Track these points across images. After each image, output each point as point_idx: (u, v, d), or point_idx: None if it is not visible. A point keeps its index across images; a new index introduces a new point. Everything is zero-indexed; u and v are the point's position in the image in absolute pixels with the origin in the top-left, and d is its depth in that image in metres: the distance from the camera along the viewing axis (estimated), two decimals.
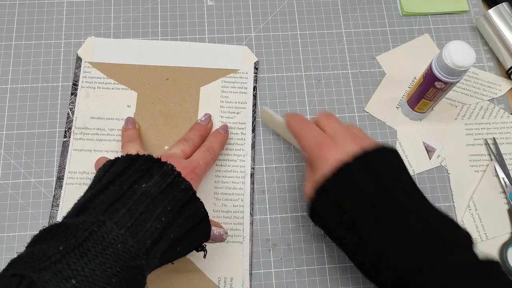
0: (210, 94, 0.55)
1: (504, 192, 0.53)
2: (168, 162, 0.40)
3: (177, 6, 0.60)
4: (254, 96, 0.56)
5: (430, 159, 0.55)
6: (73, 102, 0.54)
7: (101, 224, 0.33)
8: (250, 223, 0.50)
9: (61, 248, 0.31)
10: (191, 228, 0.40)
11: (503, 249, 0.51)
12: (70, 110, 0.54)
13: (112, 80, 0.55)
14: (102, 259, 0.31)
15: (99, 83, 0.55)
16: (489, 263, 0.36)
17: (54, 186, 0.51)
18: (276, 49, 0.59)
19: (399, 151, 0.54)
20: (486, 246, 0.51)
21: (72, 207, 0.37)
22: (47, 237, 0.33)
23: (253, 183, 0.52)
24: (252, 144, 0.53)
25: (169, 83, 0.55)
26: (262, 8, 0.61)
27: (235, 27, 0.59)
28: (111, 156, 0.51)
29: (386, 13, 0.62)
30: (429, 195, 0.53)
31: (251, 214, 0.51)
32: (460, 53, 0.45)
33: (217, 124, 0.54)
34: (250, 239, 0.50)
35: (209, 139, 0.50)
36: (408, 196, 0.39)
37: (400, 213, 0.38)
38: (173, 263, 0.45)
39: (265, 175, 0.53)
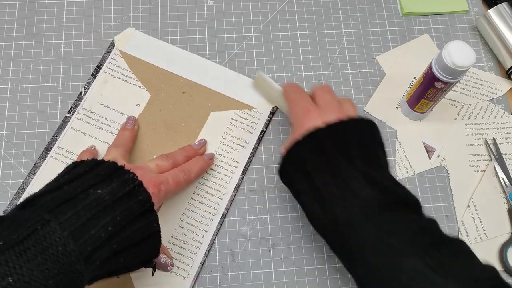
0: (217, 122, 0.54)
1: (504, 192, 0.53)
2: (130, 171, 0.39)
3: (177, 6, 0.60)
4: (259, 140, 0.54)
5: (430, 159, 0.55)
6: (89, 83, 0.55)
7: (45, 223, 0.32)
8: (201, 263, 0.48)
9: (1, 243, 0.30)
10: (140, 241, 0.39)
11: (503, 249, 0.51)
12: (84, 89, 0.54)
13: (133, 75, 0.55)
14: (41, 260, 0.30)
15: (121, 73, 0.55)
16: (431, 221, 0.40)
17: (38, 155, 0.51)
18: (276, 49, 0.59)
19: (399, 151, 0.55)
20: (486, 246, 0.51)
21: (23, 199, 0.36)
22: None
23: (221, 224, 0.50)
24: (236, 186, 0.52)
25: (184, 97, 0.55)
26: (262, 8, 0.61)
27: (235, 27, 0.59)
28: (102, 146, 0.51)
29: (386, 13, 0.62)
30: (429, 195, 0.53)
31: (205, 255, 0.49)
32: (460, 53, 0.45)
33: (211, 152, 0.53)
34: (194, 279, 0.48)
35: (190, 161, 0.49)
36: (367, 166, 0.40)
37: (355, 178, 0.39)
38: (118, 277, 0.44)
39: (265, 175, 0.53)
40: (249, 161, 0.53)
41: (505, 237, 0.51)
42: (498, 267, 0.50)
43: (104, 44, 0.57)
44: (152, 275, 0.46)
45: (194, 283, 0.48)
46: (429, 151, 0.55)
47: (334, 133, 0.40)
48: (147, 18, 0.59)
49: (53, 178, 0.39)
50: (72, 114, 0.53)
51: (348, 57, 0.59)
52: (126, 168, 0.40)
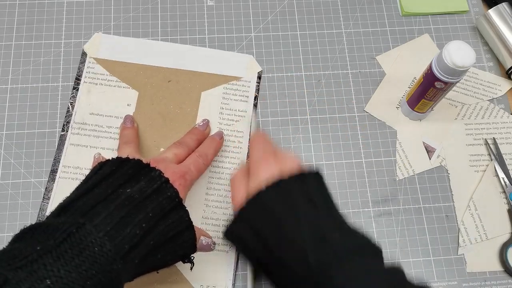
0: (211, 100, 0.55)
1: (504, 192, 0.53)
2: (156, 168, 0.40)
3: (177, 6, 0.60)
4: (255, 105, 0.55)
5: (430, 159, 0.55)
6: (74, 97, 0.54)
7: (80, 226, 0.33)
8: None
9: (38, 248, 0.31)
10: (174, 236, 0.39)
11: (503, 249, 0.51)
12: (71, 104, 0.54)
13: (115, 78, 0.55)
14: (79, 262, 0.31)
15: (101, 79, 0.55)
16: (394, 270, 0.35)
17: (47, 179, 0.51)
18: (276, 49, 0.59)
19: (399, 151, 0.55)
20: (486, 246, 0.51)
21: (56, 207, 0.37)
22: (27, 236, 0.33)
23: None
24: (248, 154, 0.53)
25: (171, 85, 0.55)
26: (262, 8, 0.61)
27: (235, 27, 0.59)
28: (107, 153, 0.51)
29: (386, 13, 0.62)
30: (429, 195, 0.53)
31: None
32: (460, 53, 0.45)
33: (214, 130, 0.53)
34: (236, 250, 0.49)
35: (204, 145, 0.50)
36: (324, 214, 0.37)
37: (311, 224, 0.36)
38: (158, 272, 0.45)
39: None
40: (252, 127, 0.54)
41: (505, 237, 0.51)
42: (498, 267, 0.51)
43: (73, 61, 0.56)
44: (191, 269, 0.47)
45: (238, 254, 0.49)
46: (429, 151, 0.55)
47: (298, 181, 0.38)
48: (147, 18, 0.59)
49: (82, 181, 0.40)
50: (67, 131, 0.53)
51: (348, 57, 0.59)
52: (145, 162, 0.40)
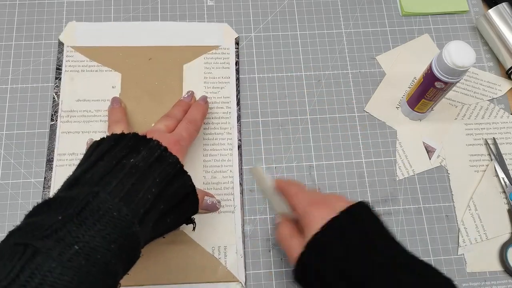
0: (193, 71, 0.56)
1: (504, 192, 0.53)
2: (153, 138, 0.41)
3: (177, 6, 0.60)
4: (237, 71, 0.57)
5: (430, 159, 0.55)
6: (57, 86, 0.55)
7: (95, 195, 0.34)
8: (240, 193, 0.51)
9: (60, 217, 0.32)
10: (181, 200, 0.41)
11: (503, 249, 0.51)
12: (56, 94, 0.54)
13: (95, 63, 0.56)
14: (100, 227, 0.32)
15: (82, 66, 0.56)
16: None
17: (44, 169, 0.51)
18: (276, 49, 0.59)
19: (399, 151, 0.55)
20: (486, 246, 0.51)
21: (63, 184, 0.37)
22: (44, 210, 0.34)
23: (240, 154, 0.53)
24: (237, 117, 0.55)
25: (152, 63, 0.56)
26: (262, 8, 0.61)
27: (235, 27, 0.59)
28: (99, 137, 0.51)
29: (386, 13, 0.62)
30: (429, 195, 0.53)
31: (241, 184, 0.52)
32: (460, 53, 0.45)
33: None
34: (241, 208, 0.51)
35: (190, 111, 0.51)
36: (393, 250, 0.38)
37: (390, 266, 0.36)
38: (164, 237, 0.46)
39: (264, 175, 0.53)
40: (238, 92, 0.56)
41: (505, 237, 0.51)
42: (498, 267, 0.51)
43: (54, 45, 0.57)
44: (193, 230, 0.49)
45: (243, 212, 0.51)
46: (429, 151, 0.55)
47: (351, 219, 0.38)
48: (147, 18, 0.59)
49: (81, 159, 0.41)
50: (56, 120, 0.53)
51: (348, 57, 0.59)
52: (141, 134, 0.41)
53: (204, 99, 0.53)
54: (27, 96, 0.55)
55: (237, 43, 0.58)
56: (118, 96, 0.54)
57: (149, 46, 0.57)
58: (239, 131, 0.54)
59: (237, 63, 0.57)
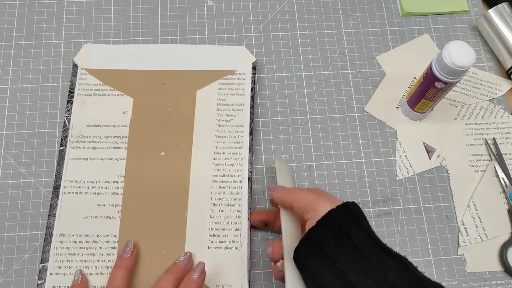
0: (206, 97, 0.55)
1: (504, 192, 0.53)
2: None
3: (177, 6, 0.60)
4: (252, 98, 0.55)
5: (430, 159, 0.55)
6: (69, 110, 0.54)
7: None
8: (248, 228, 0.49)
9: None
10: None
11: (503, 249, 0.51)
12: (66, 118, 0.53)
13: (108, 87, 0.55)
14: None
15: (95, 90, 0.54)
16: None
17: (50, 196, 0.50)
18: (276, 49, 0.59)
19: (399, 151, 0.55)
20: (486, 246, 0.51)
21: None
22: None
23: (250, 187, 0.51)
24: (249, 147, 0.53)
25: (165, 88, 0.55)
26: (262, 8, 0.61)
27: (235, 27, 0.59)
28: (106, 164, 0.51)
29: (386, 13, 0.62)
30: (429, 195, 0.53)
31: (249, 219, 0.50)
32: (460, 53, 0.45)
33: (211, 127, 0.53)
34: (248, 245, 0.49)
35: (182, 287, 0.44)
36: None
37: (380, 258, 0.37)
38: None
39: (265, 175, 0.53)
40: (252, 120, 0.54)
41: (505, 237, 0.51)
42: (498, 267, 0.51)
43: (70, 62, 0.57)
44: None
45: (250, 248, 0.49)
46: (429, 151, 0.55)
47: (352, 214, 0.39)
48: (147, 18, 0.59)
49: None
50: (66, 146, 0.52)
51: (348, 57, 0.59)
52: None
53: (201, 269, 0.45)
54: (27, 96, 0.55)
55: (254, 68, 0.56)
56: (128, 122, 0.53)
57: (163, 70, 0.55)
58: (251, 162, 0.52)
59: (252, 89, 0.55)
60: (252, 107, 0.55)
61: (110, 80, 0.55)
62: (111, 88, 0.54)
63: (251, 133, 0.53)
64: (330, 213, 0.38)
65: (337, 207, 0.39)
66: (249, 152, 0.53)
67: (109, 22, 0.58)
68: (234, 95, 0.55)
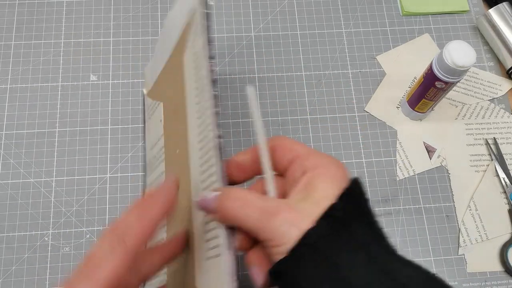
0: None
1: (505, 192, 0.53)
2: None
3: None
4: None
5: (430, 159, 0.54)
6: (144, 136, 0.53)
7: None
8: None
9: None
10: None
11: (504, 249, 0.51)
12: (142, 146, 0.53)
13: (156, 101, 0.50)
14: None
15: (151, 109, 0.51)
16: None
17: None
18: (276, 49, 0.59)
19: (399, 151, 0.54)
20: (487, 247, 0.51)
21: None
22: None
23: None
24: None
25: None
26: (262, 8, 0.61)
27: (235, 27, 0.59)
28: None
29: (386, 13, 0.61)
30: (429, 195, 0.53)
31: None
32: (460, 53, 0.45)
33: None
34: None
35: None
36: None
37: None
38: None
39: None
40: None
41: (505, 238, 0.51)
42: (499, 268, 0.50)
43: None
44: None
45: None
46: (430, 151, 0.55)
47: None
48: (147, 18, 0.59)
49: None
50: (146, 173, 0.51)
51: (348, 57, 0.59)
52: None
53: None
54: (27, 96, 0.54)
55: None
56: (163, 130, 0.46)
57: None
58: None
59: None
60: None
61: (153, 94, 0.51)
62: (157, 102, 0.49)
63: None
64: (306, 236, 0.26)
65: (318, 222, 0.27)
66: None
67: (108, 22, 0.58)
68: None
